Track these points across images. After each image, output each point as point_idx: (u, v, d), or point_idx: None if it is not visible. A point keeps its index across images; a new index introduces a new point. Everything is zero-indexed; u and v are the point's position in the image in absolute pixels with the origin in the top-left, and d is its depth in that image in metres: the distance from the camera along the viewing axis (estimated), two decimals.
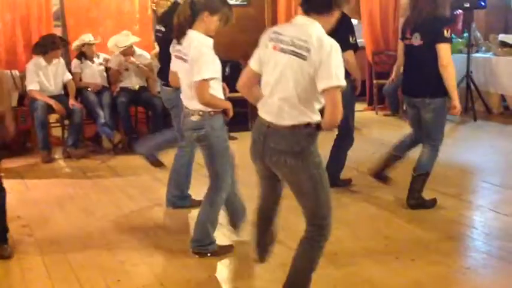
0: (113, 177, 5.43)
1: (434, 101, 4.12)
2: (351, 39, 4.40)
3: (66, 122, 6.39)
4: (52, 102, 6.03)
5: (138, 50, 6.61)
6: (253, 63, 2.73)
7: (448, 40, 4.03)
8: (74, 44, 6.57)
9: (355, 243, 3.80)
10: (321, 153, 2.65)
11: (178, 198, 4.45)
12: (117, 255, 3.65)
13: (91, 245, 3.83)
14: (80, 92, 6.48)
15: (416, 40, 4.12)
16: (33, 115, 6.10)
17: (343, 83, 2.47)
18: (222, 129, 3.45)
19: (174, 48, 3.59)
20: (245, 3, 7.65)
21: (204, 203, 3.58)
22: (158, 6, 7.15)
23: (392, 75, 5.12)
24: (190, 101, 3.44)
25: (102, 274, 3.39)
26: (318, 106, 2.58)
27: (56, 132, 6.77)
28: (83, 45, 6.49)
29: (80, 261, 3.57)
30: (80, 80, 6.51)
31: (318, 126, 2.57)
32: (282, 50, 2.56)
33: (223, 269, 3.51)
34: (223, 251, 3.64)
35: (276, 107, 2.59)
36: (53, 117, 6.58)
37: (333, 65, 2.44)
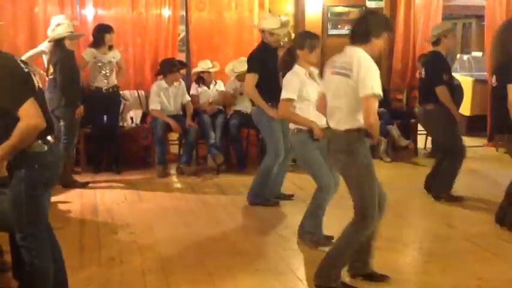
0: (217, 195, 5.70)
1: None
2: (444, 76, 5.22)
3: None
4: (170, 121, 6.48)
5: None
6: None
7: None
8: (194, 71, 7.02)
9: (444, 279, 3.67)
10: None
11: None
12: (208, 268, 3.85)
13: (185, 256, 4.08)
14: (197, 113, 6.90)
15: (494, 82, 4.54)
16: (153, 132, 6.59)
17: (377, 92, 3.11)
18: (305, 144, 4.18)
19: None
20: None
21: (311, 201, 4.28)
22: None
23: None
24: None
25: (190, 283, 3.61)
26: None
27: (175, 149, 7.26)
28: (203, 72, 6.93)
29: (173, 268, 3.82)
30: (197, 102, 6.93)
31: (366, 132, 3.23)
32: (336, 73, 3.30)
33: None
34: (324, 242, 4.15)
35: (336, 116, 3.33)
36: (173, 136, 7.08)
37: (368, 79, 3.11)
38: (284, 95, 4.22)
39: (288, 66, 4.34)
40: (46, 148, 2.83)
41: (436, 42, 5.40)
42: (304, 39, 4.33)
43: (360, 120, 3.20)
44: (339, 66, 3.28)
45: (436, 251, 4.21)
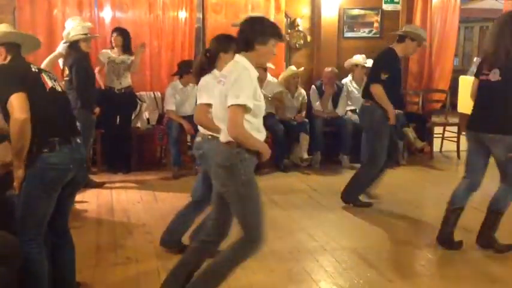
0: None
1: (505, 138, 3.94)
2: (382, 75, 4.93)
3: None
4: (183, 121, 6.52)
5: (269, 77, 6.97)
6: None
7: None
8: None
9: (458, 284, 3.67)
10: None
11: None
12: None
13: None
14: None
15: (495, 76, 3.99)
16: (168, 134, 6.63)
17: (242, 102, 2.80)
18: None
19: None
20: (378, 35, 7.69)
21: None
22: (292, 37, 7.50)
23: None
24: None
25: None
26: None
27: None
28: None
29: None
30: None
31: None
32: (219, 82, 3.05)
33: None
34: None
35: (220, 126, 3.01)
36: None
37: (235, 88, 2.83)
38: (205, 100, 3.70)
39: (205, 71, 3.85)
40: (47, 149, 2.86)
41: (400, 39, 5.09)
42: (231, 42, 3.70)
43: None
44: (223, 75, 3.03)
45: (451, 255, 4.19)
